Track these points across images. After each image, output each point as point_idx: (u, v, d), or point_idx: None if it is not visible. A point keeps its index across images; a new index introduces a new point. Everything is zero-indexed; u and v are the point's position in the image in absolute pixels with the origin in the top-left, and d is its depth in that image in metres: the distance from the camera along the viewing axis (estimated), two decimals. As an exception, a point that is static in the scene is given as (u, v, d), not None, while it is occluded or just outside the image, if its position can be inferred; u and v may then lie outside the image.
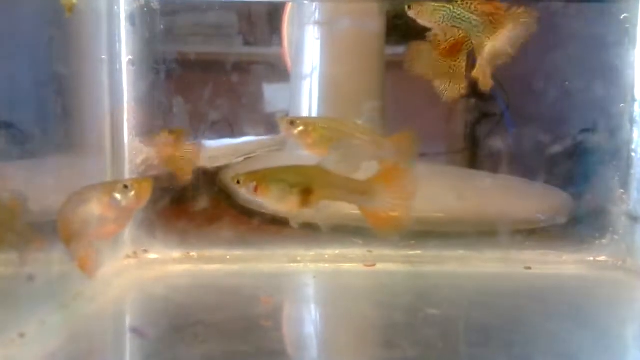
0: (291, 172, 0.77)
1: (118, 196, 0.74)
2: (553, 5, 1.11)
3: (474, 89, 1.81)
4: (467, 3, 0.84)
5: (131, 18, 1.06)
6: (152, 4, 1.05)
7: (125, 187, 0.75)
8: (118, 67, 1.06)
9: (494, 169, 1.60)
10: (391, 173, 0.81)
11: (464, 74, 0.88)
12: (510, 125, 1.73)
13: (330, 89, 1.41)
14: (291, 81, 1.46)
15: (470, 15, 0.84)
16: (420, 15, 0.85)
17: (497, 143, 1.73)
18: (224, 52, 1.43)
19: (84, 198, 0.75)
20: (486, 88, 0.88)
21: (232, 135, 1.45)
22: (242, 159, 1.46)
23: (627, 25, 1.13)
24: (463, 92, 0.90)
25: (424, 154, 1.84)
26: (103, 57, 1.04)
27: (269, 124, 1.48)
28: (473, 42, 0.85)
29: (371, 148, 0.84)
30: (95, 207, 0.74)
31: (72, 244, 0.73)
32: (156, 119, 1.15)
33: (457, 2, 0.84)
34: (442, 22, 0.85)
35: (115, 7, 1.04)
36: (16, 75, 0.91)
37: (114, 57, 1.05)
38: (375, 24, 1.39)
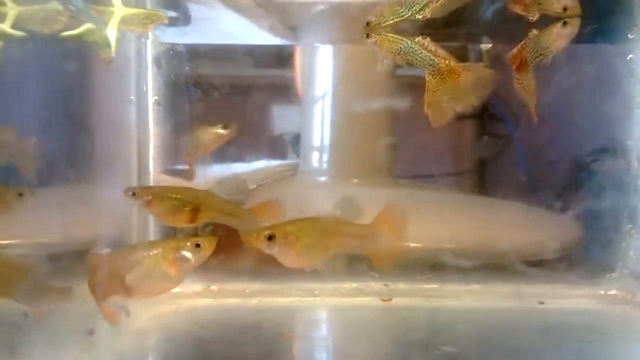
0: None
1: (188, 254, 0.73)
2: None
3: (483, 109, 1.85)
4: (424, 43, 0.84)
5: (157, 60, 1.11)
6: (177, 47, 1.11)
7: (197, 245, 0.74)
8: (145, 106, 1.11)
9: (503, 190, 1.63)
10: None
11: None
12: (520, 148, 1.77)
13: (342, 113, 1.45)
14: (302, 103, 1.49)
15: (427, 54, 0.84)
16: (379, 45, 0.85)
17: (506, 165, 1.77)
18: (246, 86, 1.47)
19: (144, 254, 0.73)
20: (435, 125, 0.88)
21: (244, 161, 1.48)
22: (254, 186, 1.49)
23: (633, 66, 1.18)
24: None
25: (432, 175, 1.88)
26: (131, 97, 1.08)
27: (280, 149, 1.52)
28: (426, 78, 0.85)
29: (230, 220, 0.84)
30: (159, 264, 0.73)
31: (108, 299, 0.74)
32: (180, 155, 1.19)
33: (414, 38, 0.84)
34: (399, 55, 0.85)
35: (143, 51, 1.09)
36: (52, 117, 0.96)
37: (141, 98, 1.10)
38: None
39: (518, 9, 0.84)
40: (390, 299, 1.13)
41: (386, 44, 0.85)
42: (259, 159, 1.50)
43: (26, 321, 0.75)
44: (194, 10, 1.24)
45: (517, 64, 0.86)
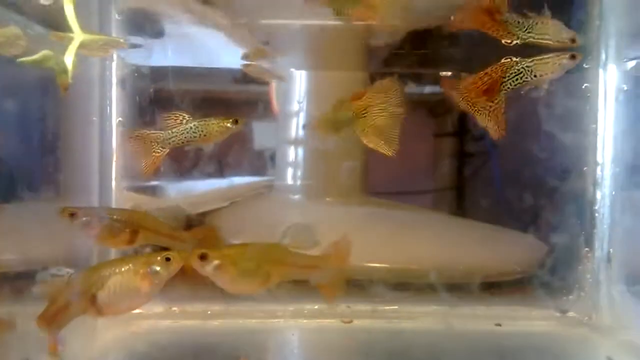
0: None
1: (159, 268, 0.73)
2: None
3: (461, 127, 1.88)
4: None
5: (122, 82, 1.11)
6: (142, 69, 1.11)
7: (167, 259, 0.73)
8: (108, 128, 1.11)
9: (479, 209, 1.66)
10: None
11: (502, 114, 0.88)
12: (496, 167, 1.80)
13: (315, 130, 1.47)
14: (278, 120, 1.50)
15: None
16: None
17: (483, 183, 1.80)
18: (216, 103, 1.48)
19: (115, 270, 0.72)
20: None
21: (220, 177, 1.48)
22: (227, 203, 1.49)
23: (588, 94, 1.22)
24: (503, 133, 0.89)
25: (409, 192, 1.90)
26: (94, 118, 1.09)
27: (257, 164, 1.52)
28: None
29: (167, 242, 0.85)
30: (131, 280, 0.71)
31: (60, 323, 0.73)
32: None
33: None
34: None
35: (107, 73, 1.10)
36: (13, 137, 0.96)
37: (104, 118, 1.10)
38: (359, 66, 1.45)
39: (493, 33, 0.86)
40: (351, 321, 1.14)
41: None
42: (235, 175, 1.50)
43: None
44: (165, 29, 1.25)
45: (485, 89, 0.88)
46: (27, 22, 0.89)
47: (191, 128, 0.86)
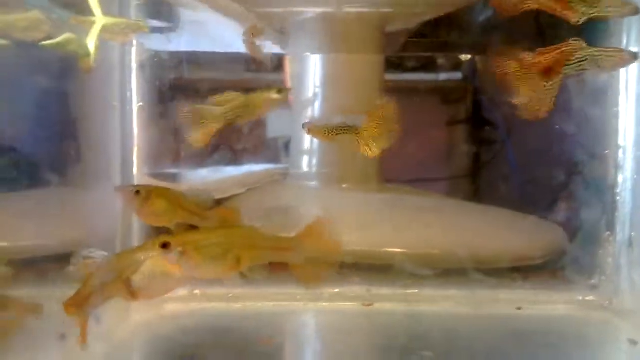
0: None
1: None
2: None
3: (476, 115, 1.86)
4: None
5: (142, 67, 1.12)
6: (161, 54, 1.12)
7: None
8: (129, 113, 1.12)
9: (495, 196, 1.65)
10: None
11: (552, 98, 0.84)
12: (511, 154, 1.78)
13: (331, 112, 1.44)
14: (293, 108, 1.50)
15: None
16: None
17: (498, 171, 1.79)
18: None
19: (149, 255, 0.71)
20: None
21: (235, 164, 1.49)
22: (244, 190, 1.50)
23: (611, 80, 1.20)
24: (543, 115, 0.84)
25: (425, 179, 1.90)
26: (115, 103, 1.09)
27: (272, 152, 1.53)
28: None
29: (195, 220, 0.84)
30: (165, 264, 0.70)
31: (91, 306, 0.72)
32: (164, 157, 1.21)
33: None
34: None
35: (127, 57, 1.10)
36: (38, 120, 0.97)
37: (125, 103, 1.11)
38: (376, 53, 1.44)
39: (559, 10, 0.83)
40: (371, 304, 1.15)
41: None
42: (250, 162, 1.51)
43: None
44: (182, 15, 1.25)
45: (547, 66, 0.82)
46: (50, 6, 0.90)
47: (242, 103, 0.88)
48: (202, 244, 0.71)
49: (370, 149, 0.88)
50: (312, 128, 0.89)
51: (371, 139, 0.88)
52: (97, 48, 0.86)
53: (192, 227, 0.82)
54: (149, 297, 0.74)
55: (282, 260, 0.79)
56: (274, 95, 0.88)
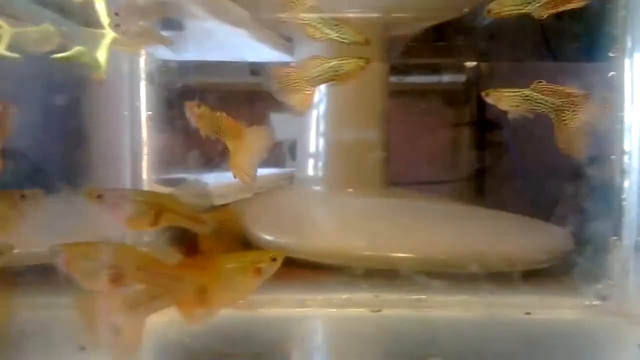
0: None
1: (265, 265, 0.77)
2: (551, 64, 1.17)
3: (480, 117, 1.86)
4: (538, 87, 0.88)
5: (150, 76, 1.13)
6: (170, 63, 1.13)
7: (274, 259, 0.77)
8: (138, 121, 1.13)
9: (499, 199, 1.65)
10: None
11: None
12: (516, 157, 1.79)
13: (336, 121, 1.47)
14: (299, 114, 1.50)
15: (546, 97, 0.88)
16: (499, 102, 0.90)
17: (503, 173, 1.79)
18: (241, 96, 1.49)
19: (227, 266, 0.77)
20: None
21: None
22: (250, 195, 1.51)
23: (614, 83, 1.20)
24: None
25: (428, 181, 1.90)
26: (125, 113, 1.11)
27: (278, 156, 1.53)
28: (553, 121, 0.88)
29: (189, 223, 0.85)
30: (242, 275, 0.76)
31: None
32: (172, 165, 1.22)
33: (530, 87, 0.88)
34: (519, 106, 0.89)
35: (136, 67, 1.12)
36: (49, 128, 0.98)
37: (134, 112, 1.12)
38: (380, 59, 1.45)
39: None
40: (379, 310, 1.15)
41: (506, 100, 0.89)
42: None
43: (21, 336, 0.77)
44: (189, 24, 1.26)
45: None
46: (60, 18, 0.91)
47: (332, 67, 0.89)
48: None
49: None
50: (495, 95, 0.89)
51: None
52: (108, 59, 0.87)
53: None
54: (222, 305, 0.79)
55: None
56: (362, 64, 0.89)
